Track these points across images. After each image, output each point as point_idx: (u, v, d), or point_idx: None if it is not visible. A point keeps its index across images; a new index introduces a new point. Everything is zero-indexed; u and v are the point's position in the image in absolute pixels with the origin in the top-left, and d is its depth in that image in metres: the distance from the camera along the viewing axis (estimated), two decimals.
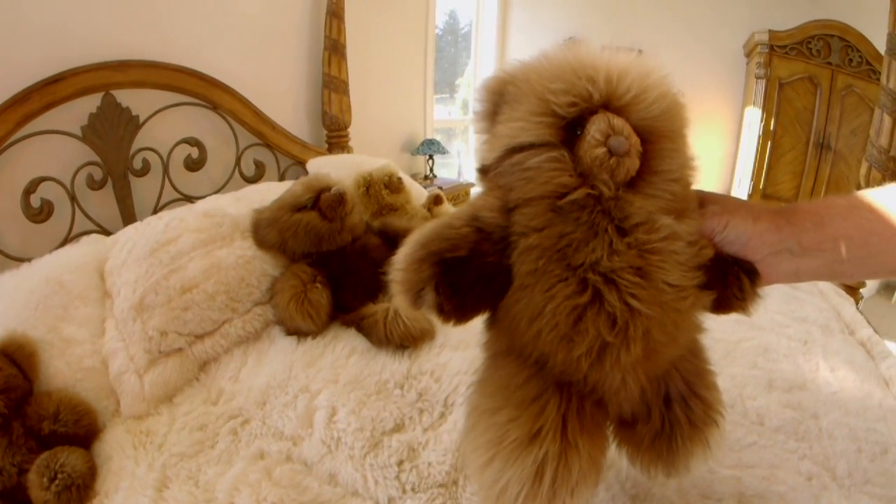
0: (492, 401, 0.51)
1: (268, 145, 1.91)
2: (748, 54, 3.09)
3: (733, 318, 1.36)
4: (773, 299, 1.42)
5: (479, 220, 0.48)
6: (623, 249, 0.44)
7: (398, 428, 0.87)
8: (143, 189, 1.56)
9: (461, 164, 3.53)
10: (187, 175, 1.67)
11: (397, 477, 0.78)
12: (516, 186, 0.47)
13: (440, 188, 2.55)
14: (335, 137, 2.18)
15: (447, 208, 1.82)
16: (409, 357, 1.04)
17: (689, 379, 0.54)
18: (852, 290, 1.60)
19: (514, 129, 0.47)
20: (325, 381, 0.98)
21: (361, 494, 0.76)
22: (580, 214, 0.45)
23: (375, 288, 1.23)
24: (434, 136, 3.15)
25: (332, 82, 2.10)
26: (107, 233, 1.42)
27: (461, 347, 1.07)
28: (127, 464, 0.83)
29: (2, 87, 1.25)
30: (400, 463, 0.79)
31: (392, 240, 1.37)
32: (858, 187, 1.57)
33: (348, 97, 2.16)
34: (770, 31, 2.77)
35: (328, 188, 1.26)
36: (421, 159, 3.02)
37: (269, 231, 1.24)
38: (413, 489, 0.76)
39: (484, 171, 0.51)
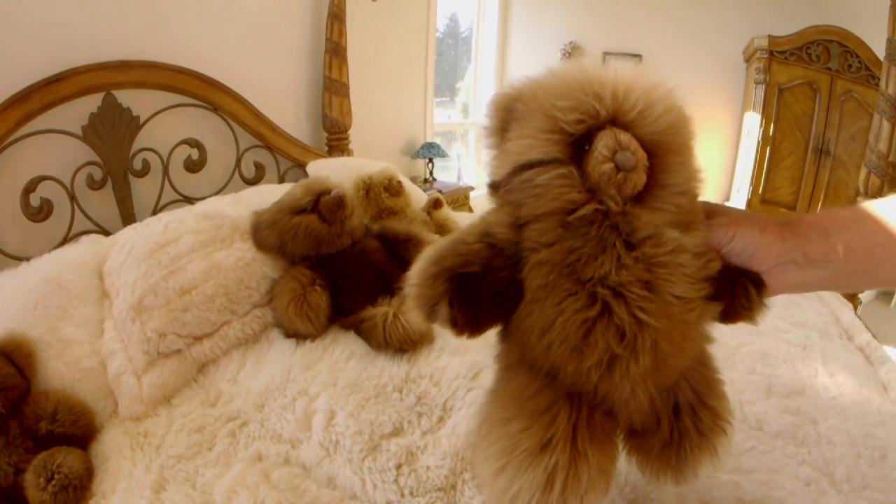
0: (504, 411, 0.52)
1: (268, 147, 1.91)
2: (748, 60, 3.10)
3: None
4: (773, 304, 1.42)
5: (491, 236, 0.49)
6: (631, 263, 0.45)
7: (397, 432, 0.87)
8: (143, 190, 1.56)
9: (461, 167, 3.53)
10: (187, 176, 1.67)
11: (396, 481, 0.77)
12: (526, 203, 0.48)
13: (440, 192, 2.55)
14: (335, 140, 2.18)
15: (446, 212, 1.82)
16: (408, 361, 1.04)
17: (697, 388, 0.55)
18: (851, 296, 1.60)
19: (522, 147, 0.48)
20: (324, 385, 0.98)
21: (360, 498, 0.76)
22: (589, 229, 0.46)
23: (374, 291, 1.23)
24: (434, 139, 3.16)
25: (332, 85, 2.10)
26: (106, 233, 1.42)
27: (460, 352, 1.07)
28: (124, 465, 0.83)
29: (3, 85, 1.25)
30: (398, 467, 0.79)
31: (391, 243, 1.37)
32: (857, 193, 1.57)
33: (349, 100, 2.17)
34: (770, 36, 2.78)
35: (328, 191, 1.26)
36: (421, 163, 3.02)
37: (268, 233, 1.23)
38: (412, 493, 0.76)
39: (495, 188, 0.52)
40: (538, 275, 0.47)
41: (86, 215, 1.43)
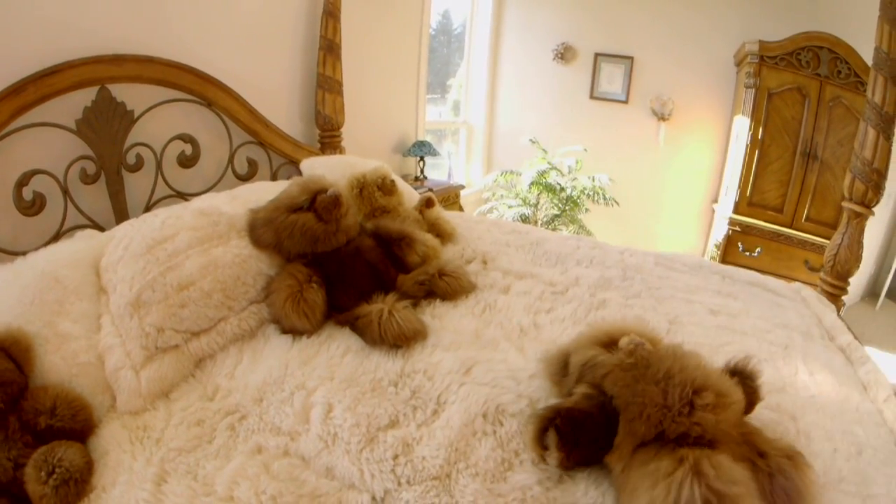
0: None
1: (261, 143, 1.92)
2: (738, 64, 3.14)
3: (716, 323, 1.39)
4: (756, 306, 1.45)
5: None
6: None
7: (393, 424, 0.89)
8: (136, 184, 1.56)
9: (451, 165, 3.54)
10: (180, 171, 1.67)
11: (392, 470, 0.80)
12: None
13: (431, 190, 2.56)
14: (328, 137, 2.19)
15: (438, 211, 1.84)
16: (403, 356, 1.06)
17: None
18: (834, 298, 1.64)
19: None
20: (321, 379, 0.99)
21: (358, 487, 0.78)
22: None
23: (369, 288, 1.25)
24: (425, 137, 3.16)
25: (326, 82, 2.11)
26: (99, 227, 1.42)
27: (452, 348, 1.09)
28: (124, 458, 0.84)
29: None
30: (395, 457, 0.82)
31: (385, 242, 1.39)
32: (843, 197, 1.61)
33: (342, 97, 2.17)
34: (760, 41, 2.82)
35: (324, 190, 1.27)
36: (412, 160, 3.03)
37: (265, 231, 1.24)
38: (408, 482, 0.78)
39: None
40: None
41: (78, 209, 1.42)
